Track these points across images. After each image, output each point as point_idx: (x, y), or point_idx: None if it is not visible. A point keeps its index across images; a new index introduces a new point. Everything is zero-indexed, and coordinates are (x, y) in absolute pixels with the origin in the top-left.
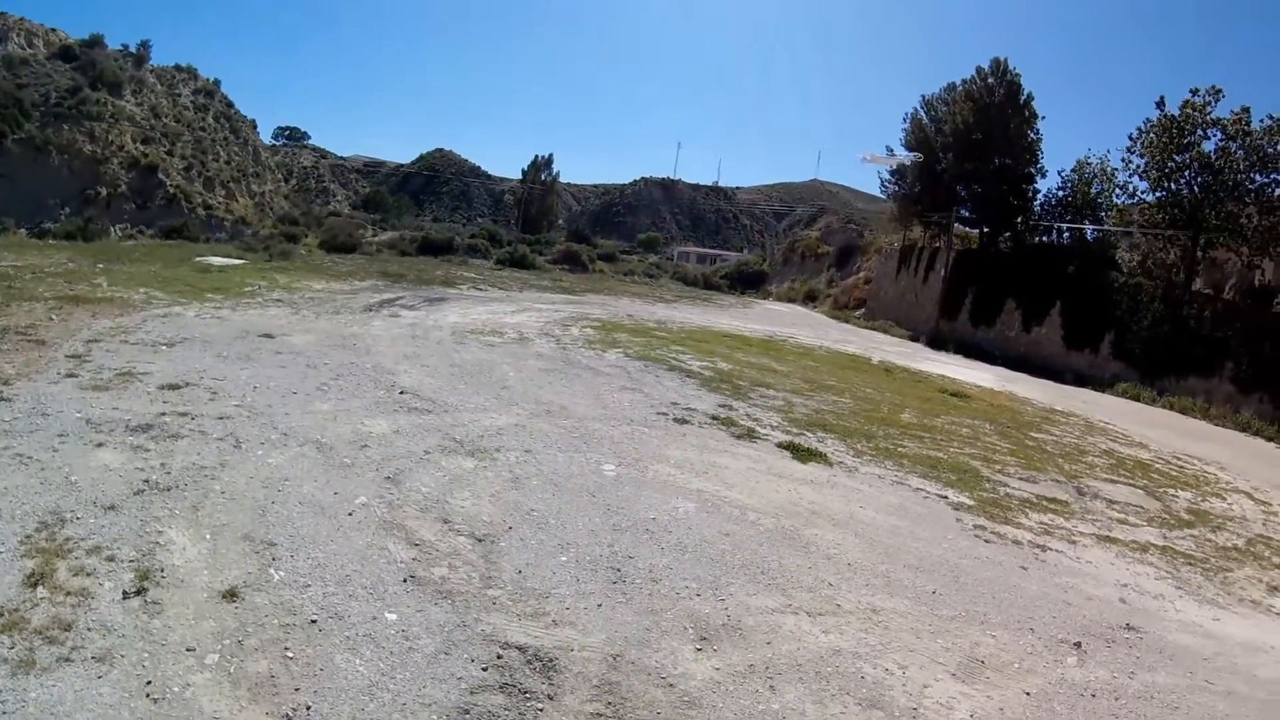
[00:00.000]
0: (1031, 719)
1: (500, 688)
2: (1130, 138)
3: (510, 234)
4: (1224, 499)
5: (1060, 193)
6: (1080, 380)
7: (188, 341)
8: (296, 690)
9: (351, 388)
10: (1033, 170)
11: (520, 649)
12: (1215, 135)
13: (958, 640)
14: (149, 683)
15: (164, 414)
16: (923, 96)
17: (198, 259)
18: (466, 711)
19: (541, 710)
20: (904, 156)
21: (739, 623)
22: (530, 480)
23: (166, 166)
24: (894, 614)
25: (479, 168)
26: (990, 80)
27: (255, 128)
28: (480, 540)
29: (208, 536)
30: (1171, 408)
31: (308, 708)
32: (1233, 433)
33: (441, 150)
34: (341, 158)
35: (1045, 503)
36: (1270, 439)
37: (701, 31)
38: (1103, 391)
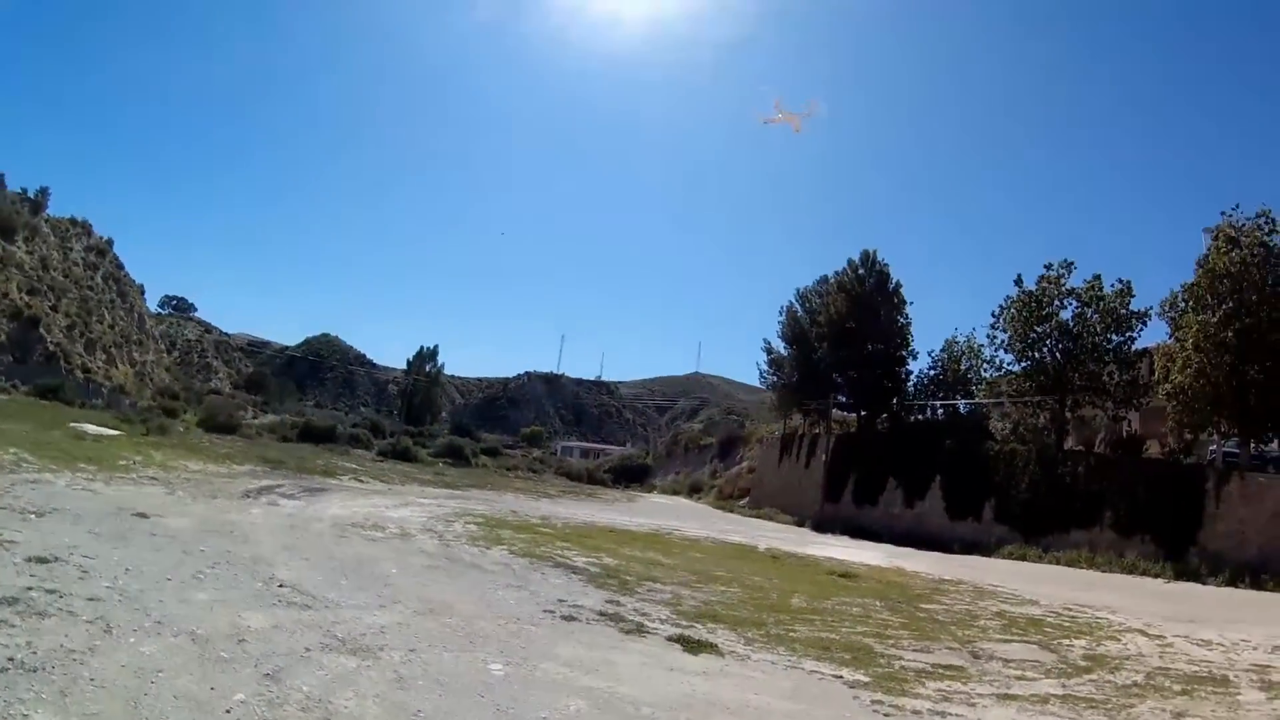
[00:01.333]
0: None
1: None
2: (993, 314)
3: (393, 425)
4: (1119, 640)
5: (932, 372)
6: (967, 548)
7: (59, 513)
8: None
9: (229, 577)
10: (904, 353)
11: None
12: (1071, 304)
13: None
14: None
15: (30, 588)
16: (797, 290)
17: (72, 424)
18: None
19: None
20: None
21: None
22: (416, 680)
23: (49, 322)
24: None
25: (364, 356)
26: (860, 271)
27: (143, 294)
28: None
29: None
30: (1058, 562)
31: None
32: (1120, 576)
33: (328, 336)
34: (226, 334)
35: (941, 670)
36: (1156, 575)
37: (582, 223)
38: (989, 556)
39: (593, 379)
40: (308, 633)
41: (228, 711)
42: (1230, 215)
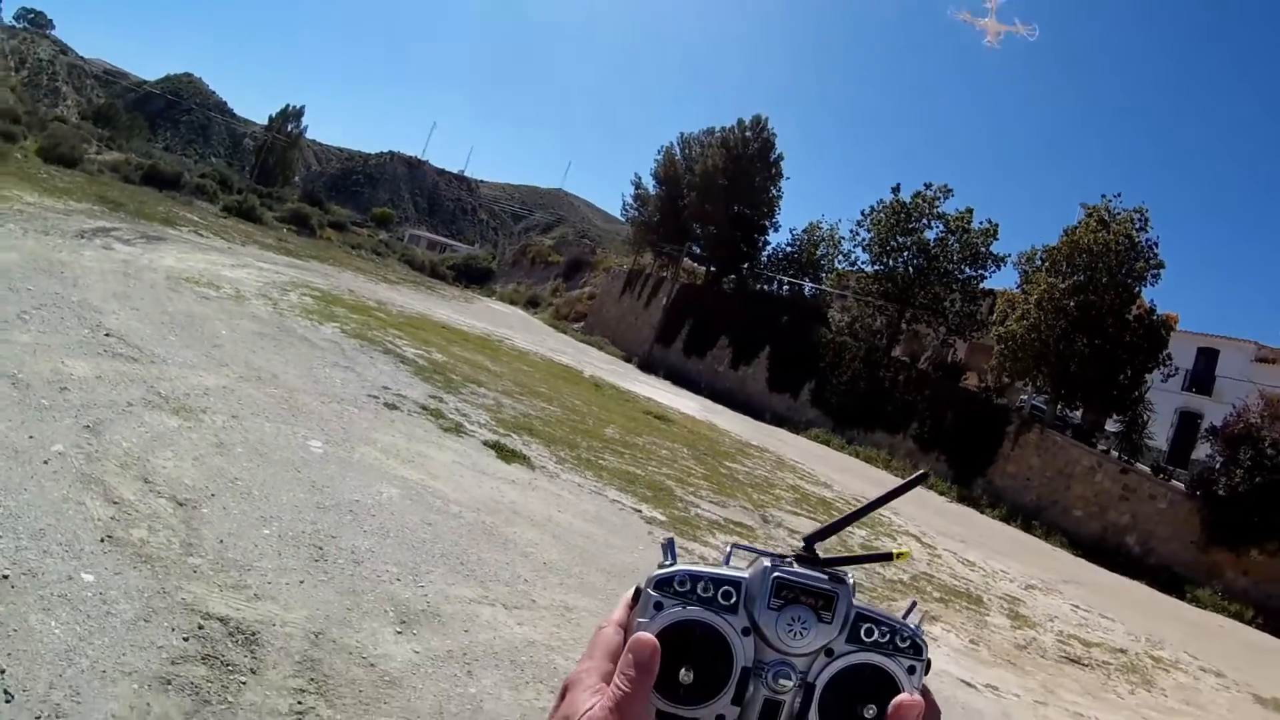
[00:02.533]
0: None
1: (202, 659)
2: (862, 213)
3: (243, 181)
4: (895, 539)
5: (789, 248)
6: (779, 420)
7: None
8: None
9: (55, 320)
10: (768, 223)
11: (222, 620)
12: (938, 226)
13: None
14: None
15: None
16: (681, 134)
17: None
18: (168, 681)
19: (244, 684)
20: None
21: (438, 609)
22: (235, 447)
23: None
24: (586, 613)
25: (225, 104)
26: (748, 134)
27: None
28: (182, 505)
29: None
30: (858, 456)
31: (2, 671)
32: None
33: (190, 76)
34: (82, 58)
35: (732, 525)
36: (942, 494)
37: (475, 13)
38: (798, 434)
39: (456, 172)
40: (131, 386)
41: (45, 463)
42: (1110, 200)
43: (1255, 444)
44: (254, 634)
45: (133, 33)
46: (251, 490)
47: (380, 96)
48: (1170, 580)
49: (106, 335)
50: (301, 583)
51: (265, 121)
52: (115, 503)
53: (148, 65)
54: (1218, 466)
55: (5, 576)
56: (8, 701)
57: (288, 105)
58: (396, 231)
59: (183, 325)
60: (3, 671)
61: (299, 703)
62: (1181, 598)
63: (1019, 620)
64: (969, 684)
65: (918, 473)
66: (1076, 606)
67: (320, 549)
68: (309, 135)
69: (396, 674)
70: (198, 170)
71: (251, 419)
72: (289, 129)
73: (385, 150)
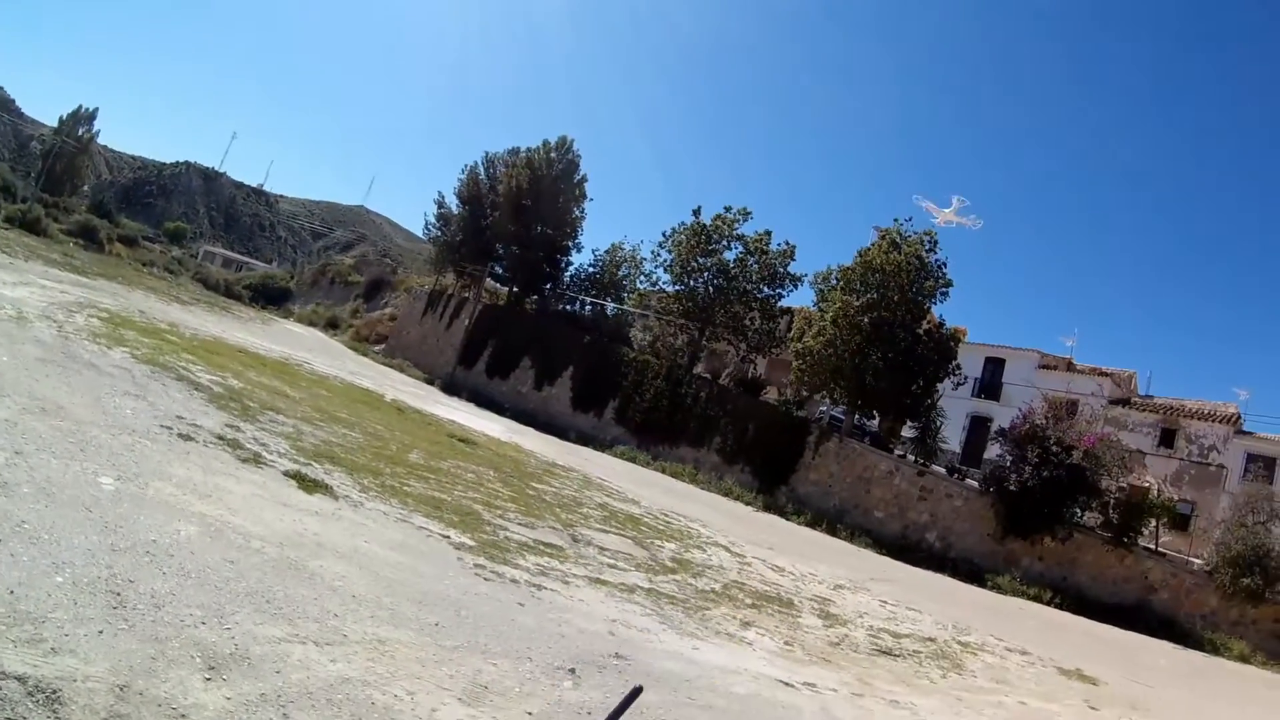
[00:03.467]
0: None
1: None
2: (664, 234)
3: (27, 189)
4: (704, 551)
5: (591, 269)
6: (584, 439)
7: None
8: None
9: None
10: (571, 244)
11: (19, 679)
12: (737, 248)
13: (461, 668)
14: None
15: None
16: (486, 153)
17: None
18: None
19: None
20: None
21: (247, 651)
22: (21, 487)
23: None
24: (399, 644)
25: (12, 101)
26: (553, 154)
27: None
28: None
29: None
30: (664, 471)
31: None
32: (716, 496)
33: None
34: None
35: (543, 547)
36: (748, 503)
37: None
38: (603, 451)
39: (255, 185)
40: None
41: None
42: (902, 224)
43: (1041, 443)
44: (55, 691)
45: None
46: (40, 534)
47: (180, 99)
48: (971, 571)
49: None
50: (100, 632)
51: (55, 124)
52: None
53: None
54: (1008, 465)
55: None
56: None
57: (80, 106)
58: (190, 248)
59: None
60: None
61: None
62: (983, 586)
63: (830, 619)
64: (787, 684)
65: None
66: (884, 602)
67: (118, 594)
68: (101, 140)
69: None
70: None
71: (37, 455)
72: (80, 133)
73: (181, 160)
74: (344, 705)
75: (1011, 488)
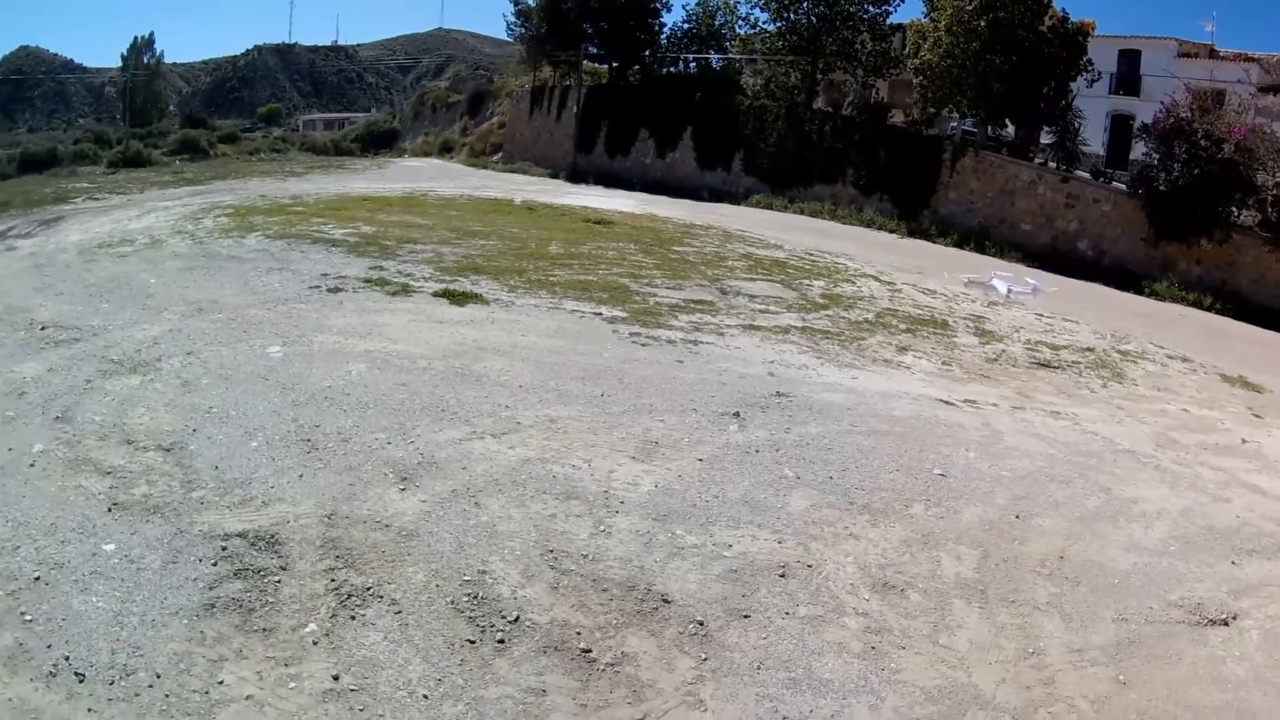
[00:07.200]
0: (706, 478)
1: (235, 575)
2: None
3: (119, 131)
4: (854, 284)
5: (686, 25)
6: (716, 196)
7: None
8: (49, 648)
9: None
10: (657, 4)
11: (242, 535)
12: None
13: (631, 430)
14: None
15: None
16: None
17: None
18: (212, 605)
19: (279, 582)
20: None
21: (433, 457)
22: (200, 380)
23: None
24: (569, 420)
25: (72, 61)
26: None
27: None
28: (169, 450)
29: None
30: (802, 213)
31: (66, 659)
32: (859, 229)
33: (28, 48)
34: None
35: (693, 305)
36: (892, 231)
37: None
38: (738, 205)
39: (329, 44)
40: (83, 365)
41: (31, 465)
42: None
43: (1188, 137)
44: (274, 536)
45: None
46: (229, 413)
47: None
48: (1126, 278)
49: (42, 329)
50: (301, 476)
51: (119, 64)
52: (108, 473)
53: None
54: (1155, 163)
55: (38, 578)
56: (81, 682)
57: (136, 37)
58: (289, 124)
59: (110, 290)
60: (68, 659)
61: (332, 580)
62: (1139, 293)
63: (986, 336)
64: (947, 402)
65: None
66: (1040, 315)
67: (308, 440)
68: (168, 60)
69: (411, 526)
70: (70, 139)
71: (206, 349)
72: (145, 61)
73: (251, 47)
74: (528, 484)
75: (1161, 188)
